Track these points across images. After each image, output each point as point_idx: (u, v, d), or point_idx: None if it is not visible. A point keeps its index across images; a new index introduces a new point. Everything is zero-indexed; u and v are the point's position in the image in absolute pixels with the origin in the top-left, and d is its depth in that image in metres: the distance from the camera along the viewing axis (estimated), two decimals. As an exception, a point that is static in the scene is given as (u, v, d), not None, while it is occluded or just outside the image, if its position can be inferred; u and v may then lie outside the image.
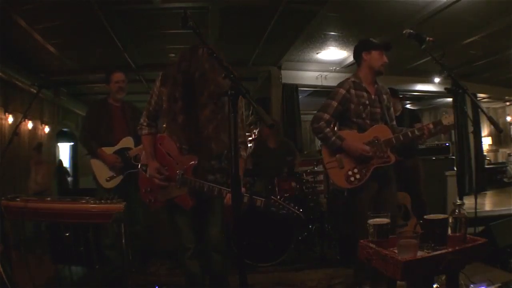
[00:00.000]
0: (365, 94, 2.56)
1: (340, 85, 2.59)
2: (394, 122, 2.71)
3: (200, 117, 1.90)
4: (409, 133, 2.47)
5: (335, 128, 2.70)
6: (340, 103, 2.53)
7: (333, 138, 2.50)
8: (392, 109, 2.74)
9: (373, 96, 2.58)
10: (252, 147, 5.14)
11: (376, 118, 2.57)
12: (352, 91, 2.54)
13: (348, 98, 2.53)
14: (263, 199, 1.81)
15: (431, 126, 2.48)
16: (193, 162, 1.97)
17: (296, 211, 1.82)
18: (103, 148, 3.02)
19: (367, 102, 2.55)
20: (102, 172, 3.02)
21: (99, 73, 5.59)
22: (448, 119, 2.43)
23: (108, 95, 3.21)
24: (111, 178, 3.01)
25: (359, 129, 2.54)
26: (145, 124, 2.10)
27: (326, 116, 2.53)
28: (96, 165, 3.04)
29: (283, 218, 3.43)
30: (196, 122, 1.92)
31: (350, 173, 2.49)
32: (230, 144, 1.50)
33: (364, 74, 2.60)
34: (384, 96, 2.65)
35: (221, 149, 1.97)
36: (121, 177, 3.03)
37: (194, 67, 1.87)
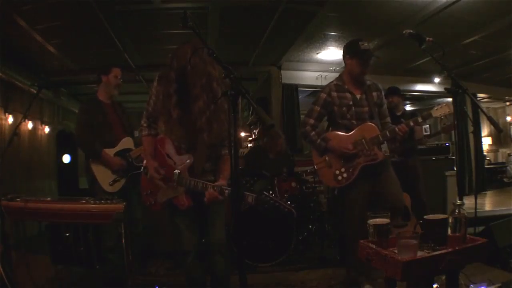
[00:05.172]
0: (348, 95, 2.61)
1: (322, 89, 2.70)
2: (388, 119, 2.73)
3: (193, 109, 1.92)
4: (396, 128, 2.51)
5: (329, 129, 2.75)
6: (322, 107, 2.64)
7: (318, 141, 2.62)
8: (385, 106, 2.76)
9: (358, 96, 2.62)
10: (249, 151, 5.15)
11: (363, 118, 2.61)
12: (334, 93, 2.62)
13: (330, 101, 2.62)
14: (254, 195, 1.82)
15: (420, 120, 2.50)
16: (188, 161, 1.98)
17: (288, 206, 1.85)
18: (105, 149, 2.89)
19: (350, 103, 2.60)
20: (104, 176, 2.88)
21: (99, 73, 5.59)
22: (439, 111, 2.44)
23: (97, 92, 3.06)
24: (115, 181, 2.90)
25: (346, 130, 2.61)
26: (145, 125, 2.11)
27: (311, 120, 2.67)
28: (97, 169, 2.88)
29: (283, 218, 3.47)
30: (190, 115, 1.94)
31: (337, 172, 2.58)
32: (229, 143, 1.52)
33: (345, 76, 2.67)
34: (374, 94, 2.67)
35: (213, 140, 1.98)
36: (124, 180, 2.93)
37: (185, 63, 1.87)
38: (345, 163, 2.56)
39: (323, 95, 2.64)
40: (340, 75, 2.71)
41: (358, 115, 2.60)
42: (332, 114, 2.65)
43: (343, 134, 2.60)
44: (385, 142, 2.62)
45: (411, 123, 2.50)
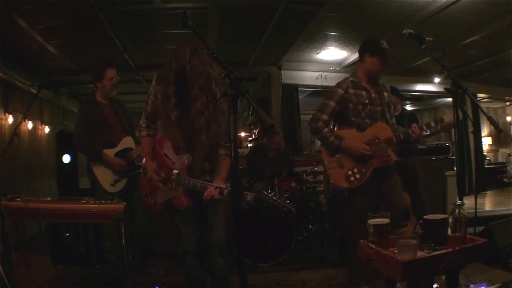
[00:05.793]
0: (364, 93, 2.55)
1: (338, 85, 2.59)
2: (394, 120, 2.71)
3: (192, 110, 1.92)
4: (409, 131, 2.48)
5: (335, 128, 2.70)
6: (338, 103, 2.53)
7: (331, 138, 2.51)
8: (392, 107, 2.74)
9: (373, 95, 2.57)
10: (249, 151, 5.16)
11: (376, 117, 2.56)
12: (351, 90, 2.53)
13: (346, 97, 2.52)
14: (253, 194, 1.82)
15: (433, 124, 2.49)
16: (187, 160, 1.98)
17: (287, 205, 1.83)
18: (105, 150, 2.88)
19: (366, 101, 2.54)
20: (105, 177, 2.87)
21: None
22: (450, 116, 2.43)
23: (95, 93, 3.04)
24: (116, 181, 2.89)
25: (358, 128, 2.54)
26: (144, 125, 2.11)
27: (324, 116, 2.54)
28: (98, 169, 2.87)
29: (283, 217, 3.47)
30: (188, 116, 1.93)
31: (350, 172, 2.49)
32: (229, 142, 1.52)
33: (362, 73, 2.60)
34: (385, 94, 2.64)
35: (212, 141, 1.98)
36: (125, 180, 2.92)
37: (184, 63, 1.87)
38: (357, 163, 2.48)
39: (340, 91, 2.53)
40: (354, 73, 2.64)
41: (372, 114, 2.54)
42: (346, 111, 2.54)
43: (356, 133, 2.52)
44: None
45: (424, 127, 2.48)
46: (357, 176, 2.47)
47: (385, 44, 2.52)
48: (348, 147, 2.48)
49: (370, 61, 2.54)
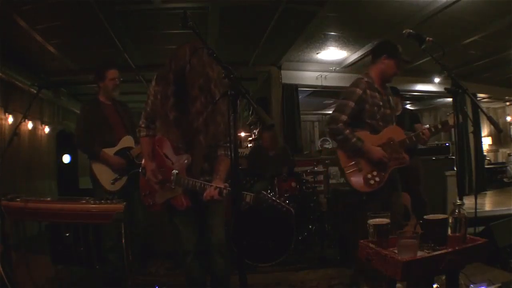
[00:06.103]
0: (377, 95, 2.52)
1: (356, 85, 2.52)
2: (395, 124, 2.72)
3: (191, 111, 1.92)
4: (420, 133, 2.50)
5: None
6: (357, 103, 2.47)
7: (354, 139, 2.43)
8: (395, 110, 2.75)
9: (384, 97, 2.57)
10: (249, 151, 5.16)
11: (387, 120, 2.55)
12: (368, 91, 2.49)
13: (364, 98, 2.47)
14: (252, 194, 1.82)
15: (439, 126, 2.49)
16: (186, 161, 1.98)
17: (286, 206, 1.84)
18: (104, 149, 2.92)
19: (380, 103, 2.52)
20: (105, 175, 2.92)
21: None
22: (454, 118, 2.45)
23: (98, 93, 3.07)
24: (116, 180, 2.92)
25: (372, 131, 2.50)
26: (143, 125, 2.11)
27: (344, 117, 2.46)
28: (98, 168, 2.92)
29: (283, 217, 3.47)
30: (187, 116, 1.94)
31: (369, 176, 2.44)
32: (229, 143, 1.52)
33: (375, 74, 2.57)
34: (390, 98, 2.65)
35: (210, 141, 1.99)
36: (125, 178, 2.95)
37: (184, 63, 1.87)
38: (375, 166, 2.45)
39: (359, 91, 2.46)
40: (367, 74, 2.58)
41: (384, 117, 2.53)
42: (362, 112, 2.48)
43: (371, 135, 2.49)
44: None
45: (433, 129, 2.49)
46: (377, 179, 2.43)
47: (401, 49, 2.51)
48: (369, 150, 2.43)
49: (387, 63, 2.51)
